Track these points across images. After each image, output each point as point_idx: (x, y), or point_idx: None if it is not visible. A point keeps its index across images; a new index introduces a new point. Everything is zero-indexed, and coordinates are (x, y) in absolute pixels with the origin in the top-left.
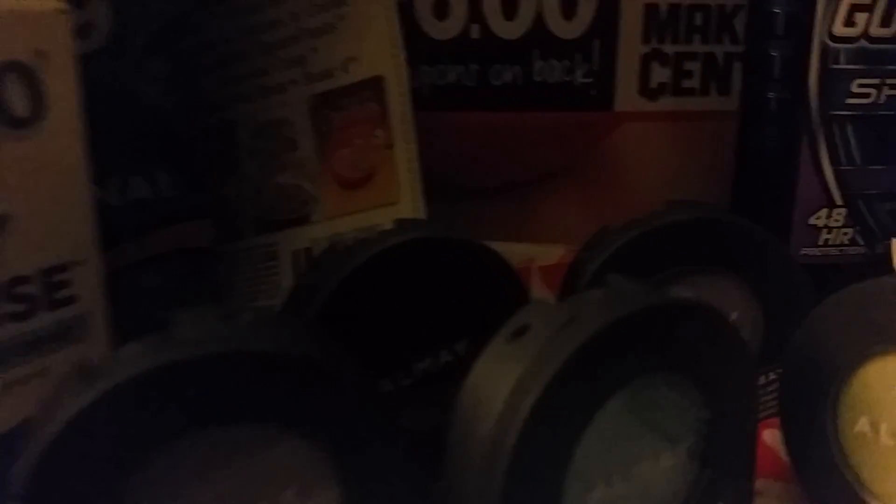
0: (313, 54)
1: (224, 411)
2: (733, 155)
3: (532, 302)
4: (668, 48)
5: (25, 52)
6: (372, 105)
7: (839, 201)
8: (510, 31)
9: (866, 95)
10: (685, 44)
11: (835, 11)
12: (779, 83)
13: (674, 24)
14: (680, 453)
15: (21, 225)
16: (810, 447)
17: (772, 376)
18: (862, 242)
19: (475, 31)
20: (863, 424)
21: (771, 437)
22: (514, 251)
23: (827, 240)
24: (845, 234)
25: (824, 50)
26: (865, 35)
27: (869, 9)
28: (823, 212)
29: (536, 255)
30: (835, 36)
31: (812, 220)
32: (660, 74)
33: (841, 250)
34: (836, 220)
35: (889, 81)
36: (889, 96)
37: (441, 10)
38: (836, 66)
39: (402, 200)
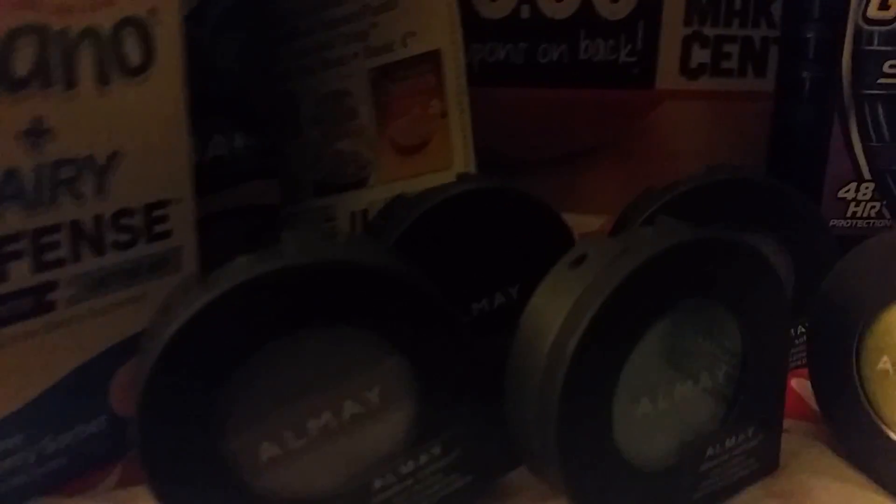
0: (374, 29)
1: (324, 315)
2: (768, 133)
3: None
4: (709, 31)
5: (142, 8)
6: (429, 77)
7: (867, 176)
8: (559, 11)
9: None
10: (724, 27)
11: None
12: (813, 63)
13: (714, 8)
14: (717, 379)
15: (130, 162)
16: (835, 387)
17: (800, 329)
18: (888, 215)
19: (525, 11)
20: (884, 363)
21: (798, 384)
22: None
23: (855, 212)
24: (873, 207)
25: (858, 32)
26: None
27: None
28: (852, 185)
29: (578, 225)
30: (869, 18)
31: (841, 194)
32: (700, 55)
33: (868, 223)
34: (864, 194)
35: None
36: None
37: None
38: (868, 48)
39: (454, 166)
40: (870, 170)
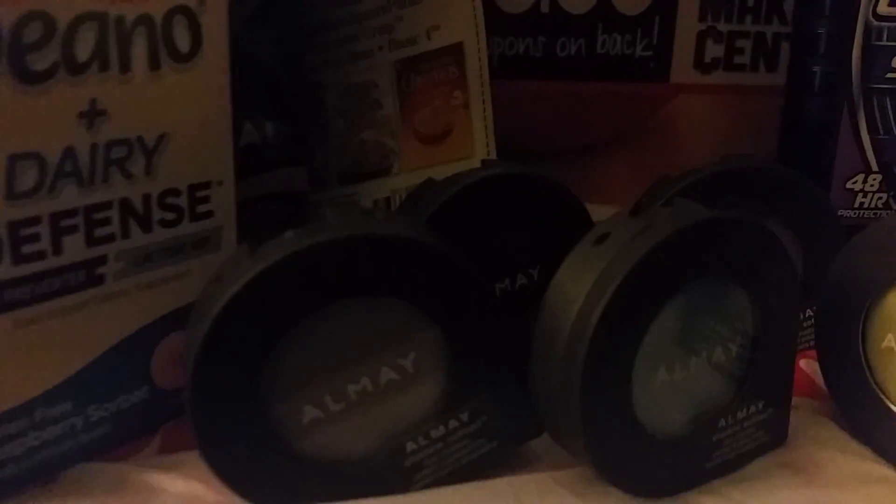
0: (399, 23)
1: (365, 286)
2: (779, 125)
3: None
4: (722, 27)
5: None
6: (452, 69)
7: (875, 168)
8: (577, 6)
9: None
10: (738, 23)
11: None
12: (823, 59)
13: (728, 5)
14: (730, 354)
15: (176, 144)
16: (842, 364)
17: (808, 313)
18: (895, 206)
19: (544, 6)
20: (889, 341)
21: (807, 365)
22: None
23: (862, 203)
24: (879, 198)
25: (868, 27)
26: None
27: None
28: (860, 177)
29: (593, 214)
30: (879, 15)
31: (849, 185)
32: (713, 50)
33: (875, 213)
34: (872, 185)
35: None
36: None
37: None
38: (878, 43)
39: (476, 155)
40: (877, 162)
